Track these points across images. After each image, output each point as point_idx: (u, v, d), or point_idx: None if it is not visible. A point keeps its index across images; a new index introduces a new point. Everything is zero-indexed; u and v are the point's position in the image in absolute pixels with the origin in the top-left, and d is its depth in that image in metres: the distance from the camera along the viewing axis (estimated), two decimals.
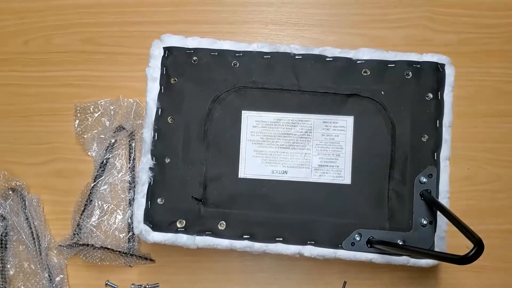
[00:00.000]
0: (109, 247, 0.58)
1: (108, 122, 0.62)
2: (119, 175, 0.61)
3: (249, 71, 0.54)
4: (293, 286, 0.60)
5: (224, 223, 0.52)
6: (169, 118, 0.53)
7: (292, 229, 0.52)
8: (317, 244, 0.52)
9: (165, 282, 0.60)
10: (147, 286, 0.60)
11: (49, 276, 0.59)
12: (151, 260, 0.60)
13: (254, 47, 0.54)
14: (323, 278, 0.60)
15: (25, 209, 0.60)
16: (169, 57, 0.54)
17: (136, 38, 0.64)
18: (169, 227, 0.52)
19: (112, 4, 0.65)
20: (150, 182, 0.53)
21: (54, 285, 0.59)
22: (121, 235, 0.60)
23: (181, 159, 0.53)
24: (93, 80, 0.63)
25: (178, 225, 0.52)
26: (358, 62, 0.54)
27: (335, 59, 0.54)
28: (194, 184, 0.53)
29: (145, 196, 0.53)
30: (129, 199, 0.61)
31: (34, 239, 0.59)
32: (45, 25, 0.64)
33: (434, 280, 0.60)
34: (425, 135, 0.53)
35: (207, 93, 0.54)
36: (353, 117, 0.53)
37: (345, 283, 0.59)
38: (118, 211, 0.61)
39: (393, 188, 0.52)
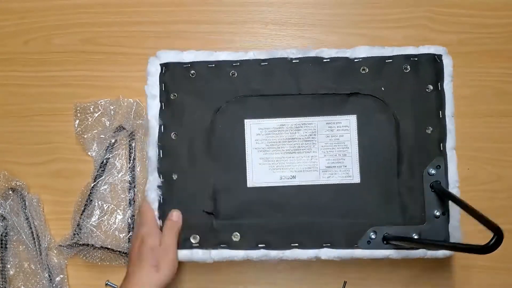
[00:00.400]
0: (109, 247, 0.58)
1: (108, 122, 0.62)
2: (119, 175, 0.61)
3: (248, 80, 0.54)
4: (293, 286, 0.60)
5: (238, 234, 0.52)
6: (172, 134, 0.53)
7: (307, 234, 0.52)
8: (333, 246, 0.52)
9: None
10: None
11: (49, 276, 0.59)
12: None
13: (251, 55, 0.54)
14: (323, 278, 0.60)
15: (25, 209, 0.60)
16: (166, 73, 0.54)
17: (136, 38, 0.64)
18: (184, 244, 0.52)
19: (112, 4, 0.65)
20: (160, 201, 0.53)
21: (54, 285, 0.59)
22: (121, 235, 0.60)
23: (188, 174, 0.53)
24: (93, 80, 0.63)
25: (192, 241, 0.52)
26: (355, 60, 0.54)
27: (333, 59, 0.54)
28: (204, 197, 0.52)
29: (157, 215, 0.52)
30: (129, 199, 0.61)
31: (34, 239, 0.59)
32: (45, 25, 0.64)
33: (434, 280, 0.60)
34: (429, 127, 0.53)
35: (208, 106, 0.53)
36: (355, 115, 0.53)
37: (345, 283, 0.59)
38: (118, 211, 0.61)
39: (402, 182, 0.52)
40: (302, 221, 0.52)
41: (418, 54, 0.54)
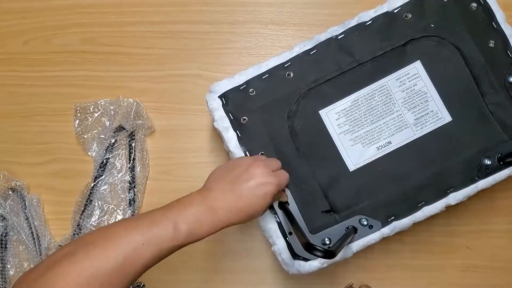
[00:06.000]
0: None
1: (108, 122, 0.62)
2: (119, 175, 0.61)
3: (304, 74, 0.54)
4: (294, 286, 0.60)
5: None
6: (259, 155, 0.53)
7: (427, 189, 0.52)
8: (456, 189, 0.52)
9: (164, 281, 0.60)
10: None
11: None
12: None
13: (297, 50, 0.54)
14: (325, 278, 0.60)
15: (25, 209, 0.60)
16: (228, 103, 0.54)
17: (136, 38, 0.64)
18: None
19: (112, 4, 0.65)
20: (278, 221, 0.52)
21: None
22: None
23: (291, 184, 0.52)
24: (93, 80, 0.63)
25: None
26: (395, 11, 0.54)
27: (374, 19, 0.54)
28: (316, 199, 0.52)
29: (281, 237, 0.51)
30: (129, 199, 0.61)
31: (34, 239, 0.59)
32: (45, 25, 0.64)
33: (433, 280, 0.60)
34: (490, 41, 0.53)
35: (279, 114, 0.53)
36: (419, 60, 0.54)
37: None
38: (118, 211, 0.61)
39: (490, 101, 0.53)
40: (417, 179, 0.52)
41: None
